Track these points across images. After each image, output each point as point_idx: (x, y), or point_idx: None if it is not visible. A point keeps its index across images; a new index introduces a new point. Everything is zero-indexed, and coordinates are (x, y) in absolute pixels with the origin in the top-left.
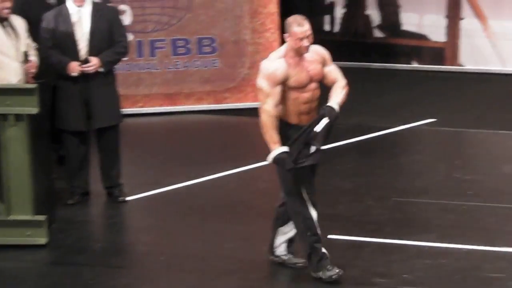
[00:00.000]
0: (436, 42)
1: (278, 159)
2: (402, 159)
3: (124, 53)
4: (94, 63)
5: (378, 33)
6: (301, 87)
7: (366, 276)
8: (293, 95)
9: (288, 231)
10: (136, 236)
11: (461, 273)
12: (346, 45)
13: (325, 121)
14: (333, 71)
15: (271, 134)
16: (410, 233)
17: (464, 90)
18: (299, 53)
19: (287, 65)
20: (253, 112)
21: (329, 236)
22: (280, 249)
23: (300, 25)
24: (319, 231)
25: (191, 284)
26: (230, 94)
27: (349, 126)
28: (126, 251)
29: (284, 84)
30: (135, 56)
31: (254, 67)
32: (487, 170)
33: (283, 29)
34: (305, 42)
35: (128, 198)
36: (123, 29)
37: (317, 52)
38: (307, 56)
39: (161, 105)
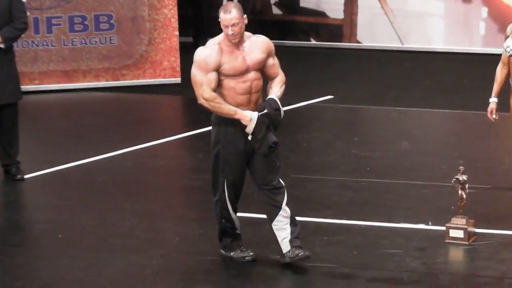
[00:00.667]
0: (334, 19)
1: (251, 123)
2: (300, 136)
3: (24, 29)
4: None
5: (276, 10)
6: (237, 75)
7: (264, 253)
8: (229, 83)
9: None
10: (34, 214)
11: (359, 249)
12: None
13: (253, 122)
14: (275, 64)
15: (227, 109)
16: (308, 210)
17: (362, 67)
18: (230, 40)
19: (219, 51)
20: (151, 89)
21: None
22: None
23: (225, 12)
24: (232, 215)
25: (89, 262)
26: (128, 71)
27: None
28: (23, 229)
29: (219, 72)
30: (32, 33)
31: (152, 43)
32: (385, 146)
33: (180, 5)
34: (229, 30)
35: (25, 176)
36: (22, 5)
37: (262, 41)
38: (247, 44)
39: (58, 82)
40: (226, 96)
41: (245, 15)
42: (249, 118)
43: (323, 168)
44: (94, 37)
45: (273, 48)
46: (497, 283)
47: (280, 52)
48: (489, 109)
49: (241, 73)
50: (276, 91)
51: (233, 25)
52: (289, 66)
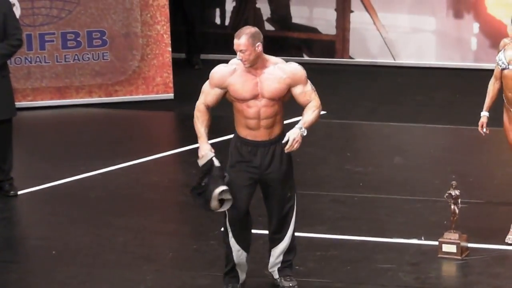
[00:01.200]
0: (326, 35)
1: (203, 160)
2: (293, 151)
3: (19, 46)
4: None
5: (268, 26)
6: (242, 100)
7: (258, 268)
8: (238, 106)
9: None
10: (27, 230)
11: (353, 264)
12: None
13: (204, 159)
14: (307, 92)
15: (197, 128)
16: (302, 225)
17: (355, 82)
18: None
19: (231, 72)
20: (144, 105)
21: (222, 229)
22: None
23: (236, 37)
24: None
25: (83, 278)
26: (121, 87)
27: None
28: (16, 246)
29: (227, 92)
30: (25, 49)
31: (144, 59)
32: (378, 161)
33: (172, 21)
34: (238, 55)
35: (19, 192)
36: (16, 22)
37: (286, 71)
38: (268, 70)
39: (51, 99)
40: (237, 117)
41: (258, 43)
42: (201, 154)
43: (316, 183)
44: (87, 54)
45: (301, 76)
46: None
47: None
48: (480, 122)
49: (249, 98)
50: (306, 117)
51: (240, 51)
52: None
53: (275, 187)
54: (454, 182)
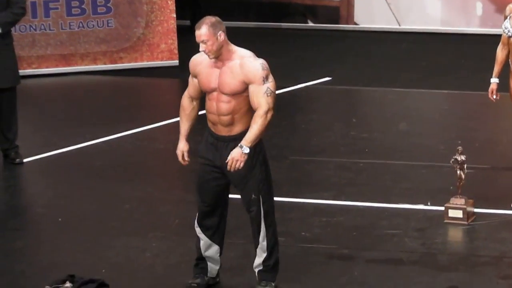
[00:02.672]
0: (331, 1)
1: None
2: (298, 118)
3: (22, 14)
4: None
5: None
6: (207, 92)
7: None
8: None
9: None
10: (33, 198)
11: (359, 230)
12: (241, 5)
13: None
14: (258, 94)
15: (180, 122)
16: (308, 192)
17: (360, 48)
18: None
19: (202, 61)
20: (149, 72)
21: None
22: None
23: (197, 28)
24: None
25: (89, 244)
26: (126, 54)
27: None
28: (22, 213)
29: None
30: (29, 17)
31: (149, 26)
32: (383, 127)
33: None
34: (200, 47)
35: (24, 160)
36: None
37: (243, 67)
38: (232, 64)
39: (56, 66)
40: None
41: (220, 32)
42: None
43: (322, 149)
44: (92, 21)
45: (255, 76)
46: (496, 262)
47: (277, 34)
48: (489, 89)
49: (209, 91)
50: (249, 134)
51: (202, 41)
52: (286, 48)
53: (236, 185)
54: (460, 147)
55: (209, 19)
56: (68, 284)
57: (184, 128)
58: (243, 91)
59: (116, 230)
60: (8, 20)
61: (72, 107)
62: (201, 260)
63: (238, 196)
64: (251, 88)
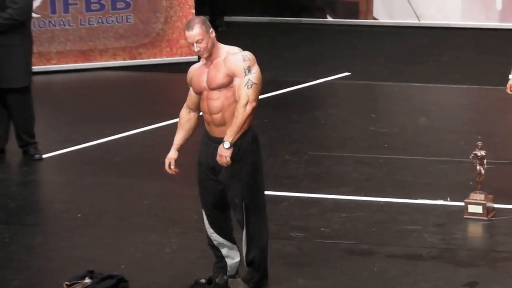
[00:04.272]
0: None
1: None
2: (318, 113)
3: (11, 19)
4: None
5: None
6: (198, 93)
7: (284, 230)
8: None
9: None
10: (52, 193)
11: (378, 225)
12: (260, 0)
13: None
14: (239, 86)
15: (176, 132)
16: (327, 187)
17: (379, 43)
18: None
19: (196, 67)
20: (168, 68)
21: None
22: None
23: (187, 29)
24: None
25: (108, 241)
26: (145, 50)
27: (264, 81)
28: (42, 209)
29: None
30: (48, 12)
31: (168, 22)
32: (403, 123)
33: None
34: (194, 48)
35: (43, 156)
36: None
37: (226, 60)
38: (218, 60)
39: (75, 62)
40: None
41: (211, 30)
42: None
43: (341, 145)
44: (111, 16)
45: (236, 67)
46: None
47: (296, 29)
48: (508, 85)
49: (201, 91)
50: (230, 129)
51: (197, 41)
52: (306, 44)
53: (225, 187)
54: (479, 142)
55: (198, 19)
56: (87, 279)
57: (178, 138)
58: (229, 84)
59: (135, 225)
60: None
61: (91, 103)
62: (220, 259)
63: None
64: (235, 81)
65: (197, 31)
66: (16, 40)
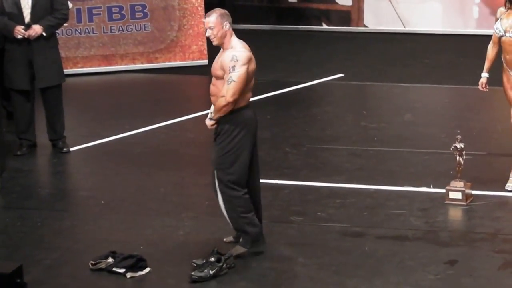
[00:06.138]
0: (343, 5)
1: None
2: (315, 110)
3: (64, 19)
4: (36, 30)
5: None
6: None
7: (284, 214)
8: None
9: None
10: (79, 182)
11: (369, 210)
12: (263, 9)
13: None
14: (224, 81)
15: None
16: (323, 176)
17: (369, 48)
18: None
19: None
20: (181, 71)
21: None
22: None
23: (207, 16)
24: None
25: (128, 224)
26: (161, 55)
27: (266, 82)
28: (69, 196)
29: None
30: (75, 22)
31: (181, 30)
32: (390, 118)
33: None
34: (207, 32)
35: (71, 149)
36: None
37: (222, 56)
38: (224, 52)
39: (98, 66)
40: None
41: (226, 23)
42: None
43: (336, 138)
44: (130, 25)
45: (226, 65)
46: (491, 238)
47: (294, 36)
48: (480, 82)
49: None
50: (213, 110)
51: (210, 27)
52: (303, 49)
53: None
54: (459, 136)
55: (219, 10)
56: (110, 259)
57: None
58: (222, 77)
59: (152, 211)
60: (50, 23)
61: (113, 101)
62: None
63: (261, 180)
64: (225, 75)
65: (211, 19)
66: (53, 42)
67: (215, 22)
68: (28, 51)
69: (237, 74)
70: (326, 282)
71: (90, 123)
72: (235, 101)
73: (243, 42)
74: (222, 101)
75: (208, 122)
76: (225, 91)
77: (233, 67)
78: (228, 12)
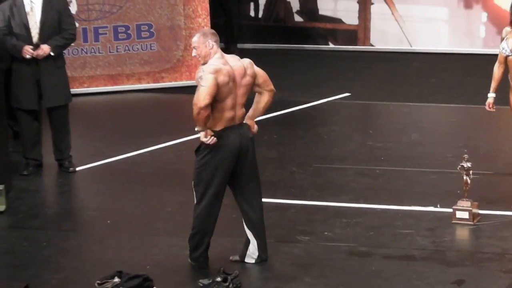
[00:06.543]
0: (349, 25)
1: None
2: (321, 129)
3: (72, 39)
4: (45, 50)
5: (298, 18)
6: None
7: (291, 234)
8: None
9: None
10: (85, 202)
11: (375, 230)
12: (269, 29)
13: None
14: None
15: None
16: (330, 195)
17: (375, 67)
18: None
19: None
20: (187, 90)
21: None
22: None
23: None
24: None
25: (135, 244)
26: (167, 74)
27: (273, 101)
28: (76, 216)
29: None
30: (81, 41)
31: (187, 49)
32: (397, 138)
33: (212, 15)
34: (193, 52)
35: (77, 169)
36: (71, 19)
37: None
38: None
39: (104, 85)
40: None
41: (210, 42)
42: None
43: (342, 158)
44: (136, 45)
45: (196, 79)
46: (499, 258)
47: (301, 55)
48: (487, 103)
49: None
50: None
51: (194, 47)
52: (310, 68)
53: None
54: (466, 155)
55: (204, 30)
56: (116, 279)
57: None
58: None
59: (159, 230)
60: (58, 43)
61: (119, 121)
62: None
63: (268, 200)
64: None
65: (194, 39)
66: (60, 62)
67: (198, 41)
68: (36, 71)
69: (205, 80)
70: None
71: (96, 143)
72: (207, 106)
73: (223, 59)
74: (194, 110)
75: (196, 129)
76: (195, 98)
77: (200, 77)
78: (214, 32)
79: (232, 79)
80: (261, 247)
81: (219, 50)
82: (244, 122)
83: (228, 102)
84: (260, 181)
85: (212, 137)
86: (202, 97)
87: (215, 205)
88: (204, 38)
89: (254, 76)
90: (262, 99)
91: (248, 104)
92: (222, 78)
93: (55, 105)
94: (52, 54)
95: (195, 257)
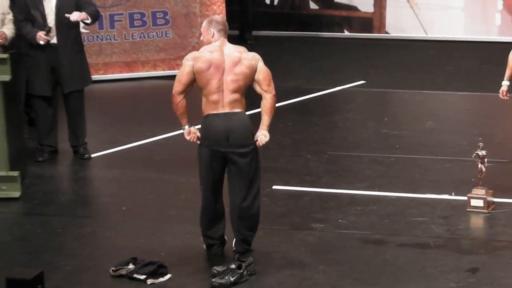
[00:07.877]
0: (365, 12)
1: None
2: (336, 117)
3: (97, 17)
4: (82, 16)
5: (313, 5)
6: None
7: (306, 221)
8: None
9: None
10: (100, 189)
11: (389, 217)
12: (285, 16)
13: None
14: None
15: None
16: (344, 183)
17: (390, 55)
18: None
19: None
20: None
21: (273, 187)
22: None
23: None
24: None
25: (149, 230)
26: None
27: (288, 89)
28: (90, 203)
29: None
30: (96, 28)
31: None
32: (411, 126)
33: (227, 2)
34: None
35: (92, 155)
36: (90, 4)
37: None
38: None
39: (120, 72)
40: None
41: (211, 29)
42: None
43: (357, 145)
44: (152, 32)
45: None
46: None
47: (316, 42)
48: (500, 90)
49: None
50: None
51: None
52: (325, 55)
53: None
54: (480, 143)
55: (211, 17)
56: (131, 265)
57: None
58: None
59: (173, 217)
60: (92, 12)
61: (134, 108)
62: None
63: (282, 187)
64: None
65: (202, 25)
66: (78, 46)
67: (203, 27)
68: (51, 57)
69: (181, 67)
70: None
71: (111, 130)
72: (178, 94)
73: (218, 47)
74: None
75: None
76: None
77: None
78: (220, 21)
79: (215, 66)
80: (236, 241)
81: (221, 39)
82: (238, 111)
83: (212, 87)
84: (255, 185)
85: (194, 135)
86: (174, 85)
87: (207, 197)
88: (208, 25)
89: (254, 70)
90: (262, 104)
91: (252, 102)
92: (199, 65)
93: (73, 89)
94: (88, 22)
95: (205, 245)
